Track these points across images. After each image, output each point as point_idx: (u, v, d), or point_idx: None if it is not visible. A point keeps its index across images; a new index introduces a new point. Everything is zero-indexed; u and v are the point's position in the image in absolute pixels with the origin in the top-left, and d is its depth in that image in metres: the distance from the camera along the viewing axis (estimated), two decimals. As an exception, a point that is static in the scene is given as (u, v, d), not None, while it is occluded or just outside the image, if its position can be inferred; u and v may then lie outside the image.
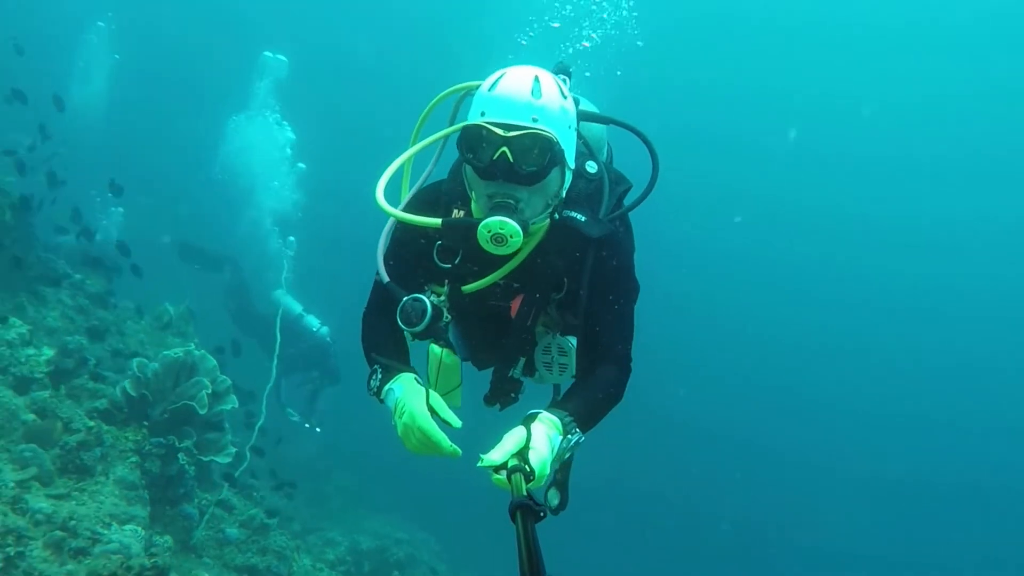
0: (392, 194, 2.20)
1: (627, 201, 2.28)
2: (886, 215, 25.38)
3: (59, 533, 4.58)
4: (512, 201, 1.91)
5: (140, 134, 21.04)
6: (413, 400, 1.88)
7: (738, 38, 23.06)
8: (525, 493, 1.50)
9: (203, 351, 6.47)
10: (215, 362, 6.45)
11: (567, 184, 2.07)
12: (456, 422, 1.84)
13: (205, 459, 6.23)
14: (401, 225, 2.16)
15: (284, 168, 14.48)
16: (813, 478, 20.92)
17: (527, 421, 1.81)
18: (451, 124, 2.32)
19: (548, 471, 1.72)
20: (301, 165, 15.12)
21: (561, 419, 1.87)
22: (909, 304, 25.50)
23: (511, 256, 2.00)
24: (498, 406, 2.40)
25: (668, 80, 21.90)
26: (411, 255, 2.18)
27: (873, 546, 18.54)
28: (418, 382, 1.99)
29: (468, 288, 2.08)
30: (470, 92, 2.19)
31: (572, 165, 2.06)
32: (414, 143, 2.30)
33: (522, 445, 1.68)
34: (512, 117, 1.87)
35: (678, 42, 19.83)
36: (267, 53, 17.39)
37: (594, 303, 2.15)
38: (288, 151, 14.72)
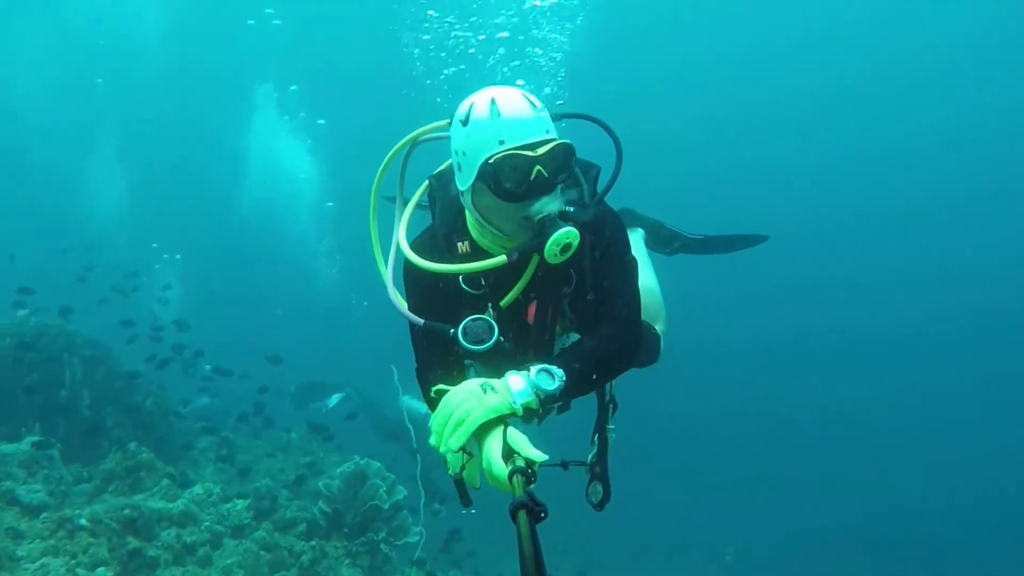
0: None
1: (600, 181, 2.24)
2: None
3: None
4: (550, 213, 1.95)
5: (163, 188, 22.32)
6: (492, 449, 1.71)
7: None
8: (525, 494, 1.48)
9: (367, 459, 7.72)
10: (379, 464, 7.72)
11: None
12: (540, 457, 1.68)
13: (399, 543, 7.46)
14: (413, 273, 2.17)
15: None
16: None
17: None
18: (403, 173, 2.34)
19: (518, 406, 1.75)
20: (321, 122, 16.20)
21: (528, 366, 1.85)
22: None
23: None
24: (536, 421, 2.20)
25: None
26: (439, 296, 2.17)
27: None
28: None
29: (505, 301, 2.10)
30: (417, 141, 2.29)
31: None
32: (374, 200, 2.38)
33: (511, 446, 1.66)
34: (530, 136, 1.90)
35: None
36: (251, 22, 17.97)
37: (597, 280, 2.16)
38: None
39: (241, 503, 7.67)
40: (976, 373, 23.85)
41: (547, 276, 2.11)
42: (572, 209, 2.03)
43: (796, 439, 19.94)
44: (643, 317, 2.30)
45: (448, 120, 2.11)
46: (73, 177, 19.90)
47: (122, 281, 12.38)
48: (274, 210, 16.81)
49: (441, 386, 1.92)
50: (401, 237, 2.18)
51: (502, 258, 1.98)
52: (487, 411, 1.72)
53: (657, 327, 3.02)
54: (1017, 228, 25.27)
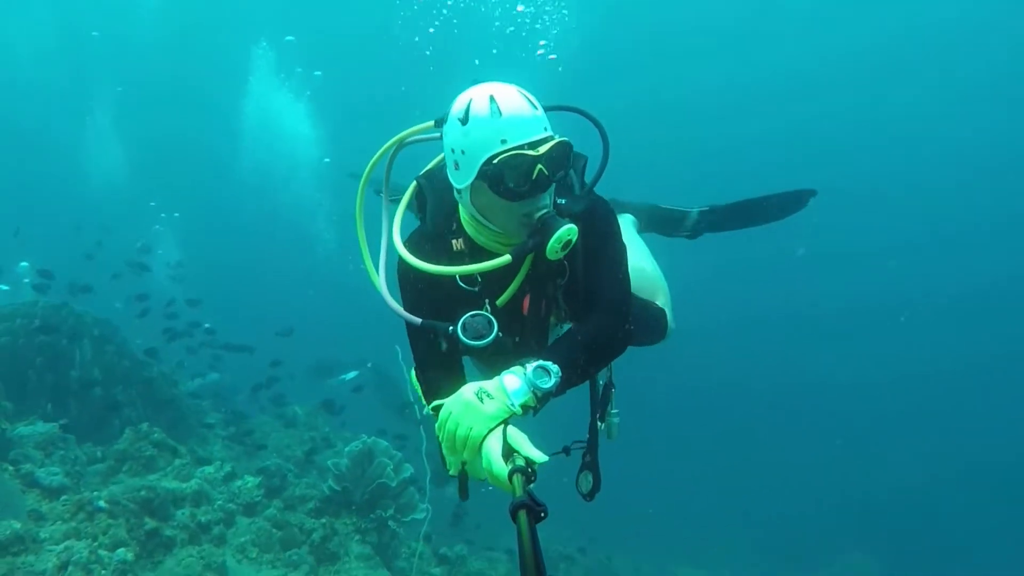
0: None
1: (587, 171, 2.23)
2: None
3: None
4: (549, 210, 1.96)
5: (160, 152, 22.28)
6: (492, 448, 1.70)
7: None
8: (525, 493, 1.48)
9: (374, 437, 7.88)
10: (386, 443, 7.88)
11: None
12: (540, 457, 1.67)
13: (407, 519, 7.65)
14: (408, 273, 2.15)
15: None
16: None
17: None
18: (388, 175, 2.34)
19: (518, 405, 1.75)
20: (318, 73, 16.18)
21: (522, 363, 1.82)
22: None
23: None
24: (532, 413, 2.16)
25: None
26: (434, 295, 2.15)
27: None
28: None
29: (502, 300, 2.13)
30: (403, 143, 2.27)
31: None
32: (361, 201, 2.34)
33: (511, 445, 1.67)
34: (531, 135, 1.89)
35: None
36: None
37: (589, 269, 2.17)
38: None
39: (252, 480, 7.84)
40: (978, 353, 24.09)
41: (542, 269, 2.13)
42: (564, 201, 2.06)
43: (795, 419, 20.18)
44: (640, 296, 2.32)
45: (433, 122, 2.11)
46: (71, 141, 19.91)
47: (135, 256, 12.47)
48: (272, 170, 16.69)
49: (437, 402, 1.94)
50: (396, 239, 2.16)
51: (507, 258, 1.97)
52: (487, 421, 1.71)
53: (658, 302, 3.01)
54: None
